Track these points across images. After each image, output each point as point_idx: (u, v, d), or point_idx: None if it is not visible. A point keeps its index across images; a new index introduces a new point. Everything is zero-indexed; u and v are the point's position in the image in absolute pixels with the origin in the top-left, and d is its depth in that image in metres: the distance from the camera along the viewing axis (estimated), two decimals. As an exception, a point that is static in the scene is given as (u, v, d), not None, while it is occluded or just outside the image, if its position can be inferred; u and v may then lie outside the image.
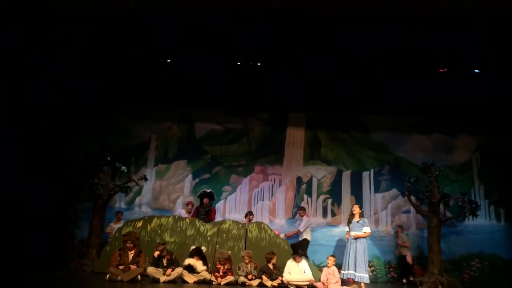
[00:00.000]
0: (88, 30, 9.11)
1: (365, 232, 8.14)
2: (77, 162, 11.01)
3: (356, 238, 8.09)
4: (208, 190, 10.28)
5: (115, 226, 10.19)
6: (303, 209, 10.52)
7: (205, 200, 10.01)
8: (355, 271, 7.91)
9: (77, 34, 9.24)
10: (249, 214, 10.15)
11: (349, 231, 8.34)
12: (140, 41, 9.59)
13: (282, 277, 8.16)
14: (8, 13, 8.20)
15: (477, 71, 10.11)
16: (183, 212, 10.33)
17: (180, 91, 11.30)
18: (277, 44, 9.57)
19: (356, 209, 8.38)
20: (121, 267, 7.89)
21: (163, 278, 7.83)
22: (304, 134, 11.84)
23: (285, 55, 10.03)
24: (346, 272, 8.04)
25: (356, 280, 7.97)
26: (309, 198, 11.39)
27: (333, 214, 11.26)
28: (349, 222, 8.40)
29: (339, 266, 8.38)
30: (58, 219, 10.64)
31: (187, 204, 10.47)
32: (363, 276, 7.93)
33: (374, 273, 10.73)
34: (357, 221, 8.22)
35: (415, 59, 9.77)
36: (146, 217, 9.54)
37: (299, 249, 8.57)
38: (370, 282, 10.46)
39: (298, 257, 8.35)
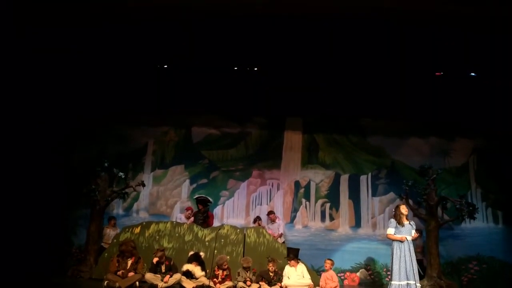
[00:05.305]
0: (86, 36, 9.12)
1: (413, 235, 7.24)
2: (74, 168, 11.04)
3: (412, 240, 7.10)
4: (201, 196, 10.24)
5: (109, 231, 10.22)
6: (273, 212, 10.45)
7: (199, 206, 10.01)
8: (415, 280, 6.81)
9: (73, 40, 9.25)
10: (258, 219, 10.18)
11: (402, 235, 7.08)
12: (138, 46, 9.58)
13: (281, 282, 8.13)
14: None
15: (473, 74, 10.16)
16: (182, 217, 10.30)
17: (177, 95, 11.29)
18: (274, 48, 9.57)
19: (406, 210, 7.32)
20: (119, 273, 7.85)
21: (161, 284, 7.79)
22: (301, 138, 11.86)
23: (282, 59, 10.04)
24: (403, 283, 6.78)
25: None
26: (307, 202, 11.39)
27: (331, 218, 11.26)
28: (399, 224, 7.11)
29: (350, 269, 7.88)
30: (56, 226, 10.60)
31: (186, 209, 10.44)
32: (420, 286, 7.05)
33: (372, 276, 10.73)
34: (409, 223, 7.20)
35: (411, 62, 9.80)
36: (144, 223, 9.48)
37: (291, 253, 8.45)
38: (368, 285, 10.57)
39: (290, 261, 8.29)
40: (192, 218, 10.01)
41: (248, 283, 7.95)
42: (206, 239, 9.10)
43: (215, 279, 8.04)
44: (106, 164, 9.99)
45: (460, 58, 9.50)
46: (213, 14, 8.36)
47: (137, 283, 7.81)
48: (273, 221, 10.23)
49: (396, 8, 7.91)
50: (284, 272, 8.23)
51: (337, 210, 11.32)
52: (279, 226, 10.22)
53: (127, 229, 9.33)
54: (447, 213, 10.18)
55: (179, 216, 10.57)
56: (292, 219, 11.26)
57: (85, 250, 9.66)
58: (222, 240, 9.03)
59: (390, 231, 7.18)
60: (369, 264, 10.79)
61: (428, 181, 9.91)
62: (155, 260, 8.02)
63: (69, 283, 8.62)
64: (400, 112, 11.34)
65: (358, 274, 10.77)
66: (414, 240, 7.25)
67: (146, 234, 9.17)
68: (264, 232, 9.23)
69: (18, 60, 9.19)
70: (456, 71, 10.09)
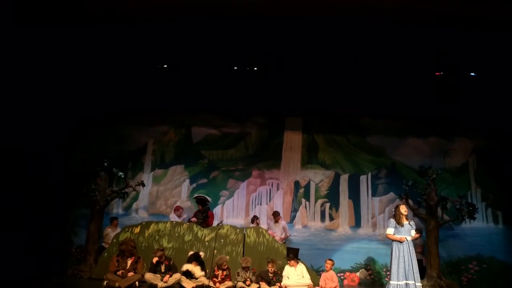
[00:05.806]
0: (86, 36, 9.12)
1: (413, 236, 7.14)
2: (74, 168, 11.04)
3: (412, 240, 7.07)
4: (199, 196, 10.23)
5: (111, 231, 10.21)
6: (278, 213, 10.39)
7: (199, 206, 10.02)
8: (415, 280, 6.74)
9: (73, 40, 9.26)
10: (255, 219, 10.21)
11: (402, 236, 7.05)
12: (138, 46, 9.59)
13: (280, 282, 8.13)
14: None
15: (473, 74, 10.16)
16: (176, 217, 10.29)
17: (177, 95, 11.30)
18: (273, 48, 9.58)
19: (405, 210, 7.25)
20: (119, 273, 7.85)
21: (161, 284, 7.79)
22: (301, 138, 11.85)
23: (282, 59, 10.04)
24: (402, 283, 6.73)
25: None
26: (307, 202, 11.38)
27: (331, 218, 11.25)
28: (399, 224, 7.08)
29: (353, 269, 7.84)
30: (56, 226, 10.59)
31: (176, 209, 10.45)
32: (421, 285, 6.92)
33: (372, 276, 10.72)
34: (409, 223, 7.13)
35: (411, 62, 9.81)
36: (144, 223, 9.48)
37: (290, 253, 8.46)
38: (368, 285, 10.56)
39: (290, 261, 8.29)
40: (185, 216, 10.05)
41: (248, 283, 7.95)
42: (206, 239, 9.10)
43: (214, 279, 8.04)
44: (106, 164, 9.99)
45: (460, 58, 9.50)
46: (213, 15, 8.36)
47: (137, 283, 7.81)
48: (277, 221, 10.23)
49: (396, 8, 7.90)
50: (283, 272, 8.24)
51: (337, 210, 11.31)
52: (284, 228, 10.21)
53: (126, 229, 9.33)
54: (447, 213, 10.19)
55: (173, 216, 10.57)
56: (292, 219, 11.24)
57: (85, 250, 9.66)
58: (222, 240, 9.03)
59: (390, 231, 7.16)
60: (369, 264, 10.78)
61: (428, 181, 9.91)
62: (154, 260, 8.03)
63: (69, 283, 8.62)
64: (400, 112, 11.34)
65: (358, 274, 10.76)
66: (414, 240, 7.26)
67: (146, 234, 9.18)
68: (264, 232, 9.23)
69: (18, 60, 9.19)
70: (456, 71, 10.09)
